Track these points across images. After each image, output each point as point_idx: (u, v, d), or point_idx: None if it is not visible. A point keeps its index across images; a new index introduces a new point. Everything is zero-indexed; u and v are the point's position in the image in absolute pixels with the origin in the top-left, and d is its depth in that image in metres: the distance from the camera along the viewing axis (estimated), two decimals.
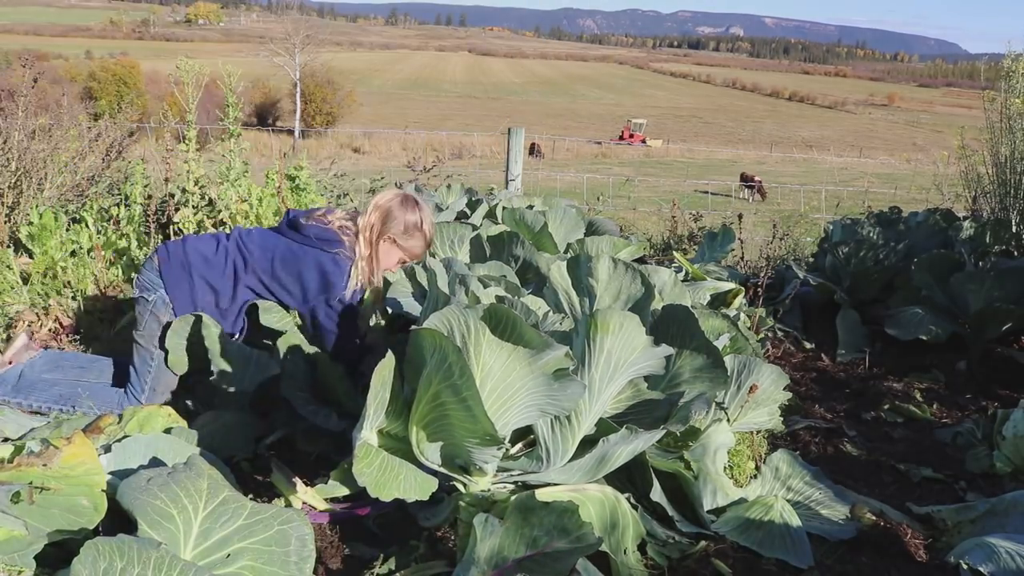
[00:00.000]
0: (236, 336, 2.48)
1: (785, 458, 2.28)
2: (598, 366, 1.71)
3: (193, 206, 3.80)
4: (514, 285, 2.23)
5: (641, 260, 3.87)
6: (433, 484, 1.77)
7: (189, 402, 2.48)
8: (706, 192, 17.39)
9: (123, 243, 3.72)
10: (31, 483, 1.53)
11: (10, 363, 2.57)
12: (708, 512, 2.02)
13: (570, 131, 46.35)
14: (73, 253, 3.57)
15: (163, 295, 2.36)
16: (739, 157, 35.82)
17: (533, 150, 29.27)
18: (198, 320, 2.29)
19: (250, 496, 1.73)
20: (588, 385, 1.71)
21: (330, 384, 2.35)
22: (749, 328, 3.06)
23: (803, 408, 2.97)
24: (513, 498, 1.67)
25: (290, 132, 35.44)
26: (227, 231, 2.61)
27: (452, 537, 1.85)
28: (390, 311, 2.57)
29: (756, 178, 20.68)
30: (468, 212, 3.93)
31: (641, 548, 1.85)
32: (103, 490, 1.60)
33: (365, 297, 2.49)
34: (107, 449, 1.78)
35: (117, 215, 3.96)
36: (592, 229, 3.81)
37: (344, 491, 2.02)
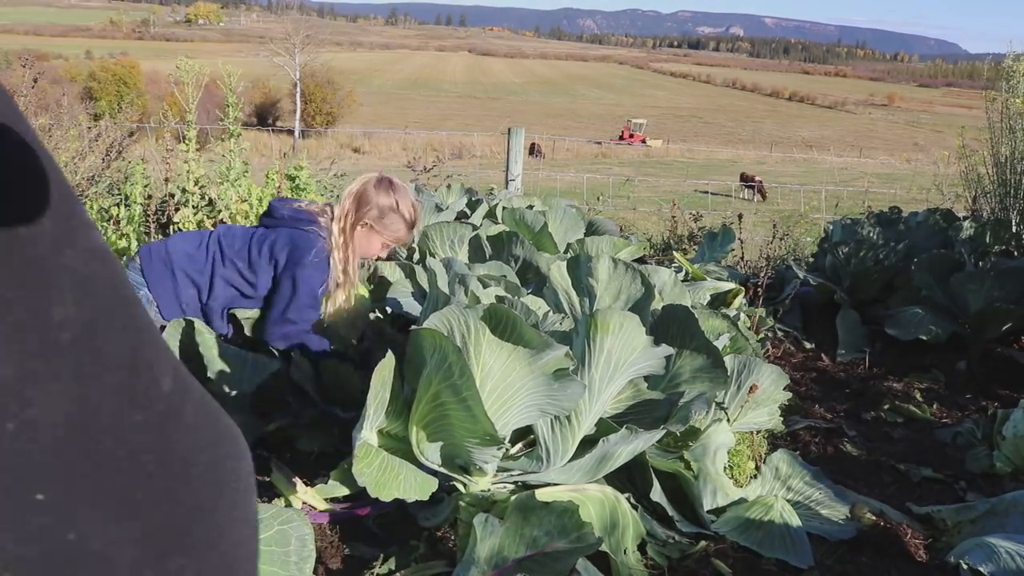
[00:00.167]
0: (222, 337, 2.50)
1: (785, 458, 2.28)
2: (598, 366, 1.71)
3: (193, 206, 3.80)
4: (514, 285, 2.24)
5: (641, 260, 3.87)
6: (433, 484, 1.77)
7: None
8: (706, 192, 17.39)
9: (123, 243, 3.72)
10: None
11: None
12: (708, 512, 2.02)
13: (570, 131, 46.39)
14: None
15: (146, 293, 2.36)
16: (739, 157, 35.84)
17: (533, 150, 29.28)
18: (190, 325, 2.29)
19: None
20: (588, 385, 1.71)
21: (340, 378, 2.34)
22: (749, 328, 3.06)
23: (803, 408, 2.97)
24: (513, 498, 1.67)
25: (290, 132, 35.44)
26: None
27: (452, 537, 1.85)
28: (390, 311, 2.57)
29: (756, 178, 20.68)
30: (468, 212, 3.93)
31: (641, 548, 1.85)
32: None
33: (338, 294, 2.46)
34: None
35: (117, 215, 3.96)
36: (592, 229, 3.81)
37: (344, 491, 2.02)
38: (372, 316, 2.66)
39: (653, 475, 2.00)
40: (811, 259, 4.94)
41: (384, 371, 1.63)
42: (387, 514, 1.95)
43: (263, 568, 1.46)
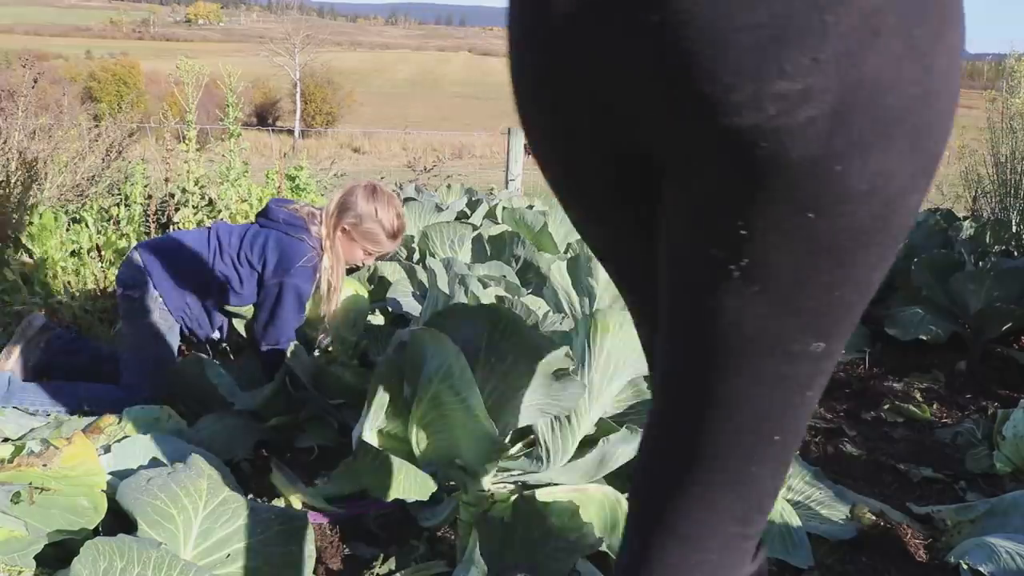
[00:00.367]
0: (218, 335, 2.51)
1: None
2: (598, 366, 1.71)
3: (193, 206, 3.81)
4: (514, 285, 2.24)
5: None
6: (433, 484, 1.77)
7: (189, 404, 2.48)
8: None
9: (123, 243, 3.72)
10: (31, 483, 1.53)
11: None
12: None
13: None
14: (73, 253, 3.58)
15: (151, 290, 2.37)
16: None
17: None
18: (199, 362, 2.30)
19: (250, 496, 1.73)
20: (588, 385, 1.71)
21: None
22: None
23: None
24: (513, 498, 1.68)
25: (290, 132, 35.44)
26: None
27: (452, 537, 1.85)
28: (390, 311, 2.57)
29: None
30: (468, 212, 3.94)
31: None
32: (103, 490, 1.60)
33: (331, 298, 2.46)
34: (107, 449, 1.78)
35: (117, 215, 3.96)
36: None
37: (344, 491, 2.02)
38: (372, 316, 2.66)
39: None
40: None
41: (384, 371, 1.63)
42: (387, 514, 1.95)
43: (263, 568, 1.46)
